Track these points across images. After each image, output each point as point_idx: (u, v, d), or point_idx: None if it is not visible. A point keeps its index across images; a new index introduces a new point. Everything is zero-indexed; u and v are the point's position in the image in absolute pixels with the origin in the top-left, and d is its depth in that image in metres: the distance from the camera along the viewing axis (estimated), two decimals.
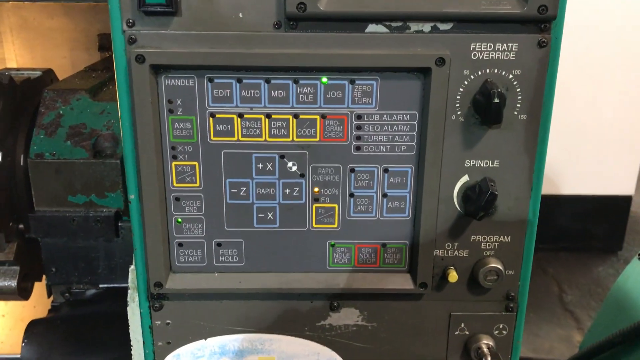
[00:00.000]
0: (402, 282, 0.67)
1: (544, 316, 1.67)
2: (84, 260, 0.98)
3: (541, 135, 0.63)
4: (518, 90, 0.61)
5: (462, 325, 0.69)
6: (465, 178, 0.63)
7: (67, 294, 1.00)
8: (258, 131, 0.63)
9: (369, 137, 0.63)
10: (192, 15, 0.59)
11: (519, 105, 0.62)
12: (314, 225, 0.66)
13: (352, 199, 0.65)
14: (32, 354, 0.90)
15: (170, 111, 0.62)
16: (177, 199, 0.65)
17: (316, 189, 0.65)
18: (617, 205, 2.10)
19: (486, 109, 0.60)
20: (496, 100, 0.59)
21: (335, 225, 0.66)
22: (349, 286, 0.67)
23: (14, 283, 0.96)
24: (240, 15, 0.59)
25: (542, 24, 0.60)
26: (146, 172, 0.63)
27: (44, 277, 1.01)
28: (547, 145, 0.63)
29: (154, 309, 0.68)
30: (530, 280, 0.68)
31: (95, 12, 1.18)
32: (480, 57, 0.61)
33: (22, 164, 0.95)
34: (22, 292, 0.96)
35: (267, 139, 0.63)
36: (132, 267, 0.71)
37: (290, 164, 0.64)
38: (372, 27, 0.60)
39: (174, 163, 0.64)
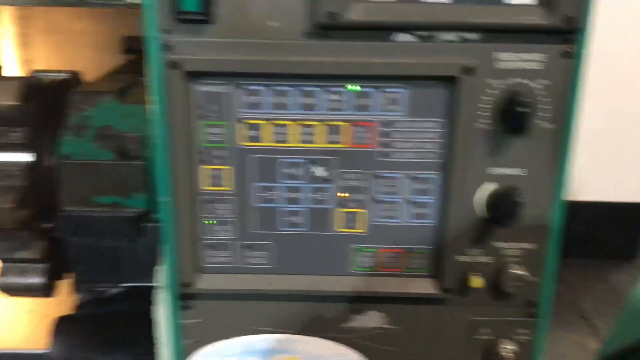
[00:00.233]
0: (426, 286, 0.68)
1: (558, 322, 1.67)
2: (109, 260, 1.00)
3: (566, 144, 0.64)
4: (543, 99, 0.62)
5: (484, 330, 0.70)
6: (490, 185, 0.64)
7: (91, 292, 1.03)
8: (287, 137, 0.65)
9: (396, 144, 0.64)
10: (226, 24, 0.61)
11: (544, 114, 0.63)
12: (340, 229, 0.67)
13: (377, 205, 0.66)
14: (61, 349, 0.92)
15: (202, 116, 0.64)
16: (206, 201, 0.67)
17: (343, 194, 0.66)
18: (632, 213, 2.09)
19: (512, 118, 0.61)
20: (521, 110, 0.61)
21: (361, 230, 0.67)
22: (373, 290, 0.68)
23: (41, 280, 0.98)
24: (272, 24, 0.61)
25: (567, 34, 0.61)
26: (178, 175, 0.65)
27: (67, 275, 1.03)
28: (572, 154, 0.64)
29: (182, 308, 0.70)
30: None
31: (119, 15, 1.20)
32: (507, 67, 0.62)
33: (49, 164, 0.97)
34: (48, 290, 0.99)
35: (296, 144, 0.65)
36: (159, 267, 0.72)
37: (317, 169, 0.66)
38: (400, 36, 0.62)
39: (203, 166, 0.66)
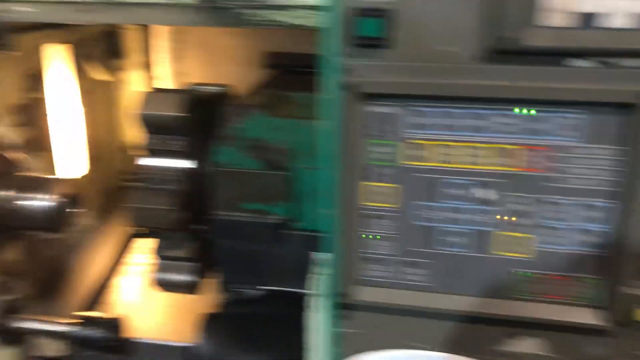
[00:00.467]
0: (590, 316, 0.66)
1: None
2: (252, 263, 1.06)
3: None
4: None
5: None
6: None
7: (234, 292, 1.09)
8: (453, 158, 0.66)
9: (569, 170, 0.63)
10: (402, 48, 0.63)
11: None
12: (502, 252, 0.67)
13: (544, 230, 0.65)
14: (209, 344, 0.99)
15: (369, 135, 0.67)
16: (367, 216, 0.69)
17: (508, 217, 0.66)
18: None
19: None
20: None
21: (525, 255, 0.67)
22: (533, 315, 0.67)
23: (191, 278, 1.06)
24: (448, 48, 0.62)
25: None
26: (344, 190, 0.68)
27: (212, 275, 1.10)
28: None
29: (339, 317, 0.73)
30: None
31: (263, 32, 1.27)
32: None
33: (204, 171, 1.05)
34: (196, 288, 1.06)
35: (462, 165, 0.66)
36: (315, 275, 0.76)
37: (483, 191, 0.66)
38: (576, 61, 0.61)
39: (367, 183, 0.68)
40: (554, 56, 0.61)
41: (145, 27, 1.35)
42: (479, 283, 0.69)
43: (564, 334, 0.68)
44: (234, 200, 1.03)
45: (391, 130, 0.66)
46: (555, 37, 0.60)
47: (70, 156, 1.23)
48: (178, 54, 1.35)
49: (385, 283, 0.71)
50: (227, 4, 0.89)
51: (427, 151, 0.66)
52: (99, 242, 1.29)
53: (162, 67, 1.37)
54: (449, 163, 0.66)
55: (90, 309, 1.20)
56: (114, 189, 1.33)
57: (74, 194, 1.00)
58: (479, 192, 0.66)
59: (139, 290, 1.25)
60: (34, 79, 1.12)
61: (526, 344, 0.69)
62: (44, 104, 1.15)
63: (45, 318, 0.99)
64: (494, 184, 0.65)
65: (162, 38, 1.35)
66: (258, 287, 1.07)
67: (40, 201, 0.95)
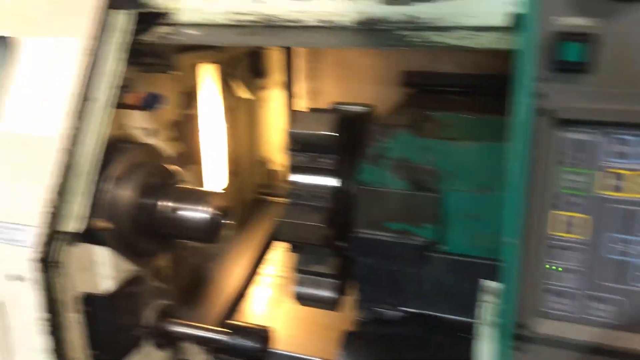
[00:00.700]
0: None
1: None
2: (394, 283, 1.05)
3: None
4: None
5: None
6: None
7: (373, 312, 1.09)
8: None
9: None
10: (606, 73, 0.60)
11: None
12: None
13: None
14: None
15: (562, 162, 0.64)
16: (553, 246, 0.67)
17: None
18: None
19: None
20: None
21: None
22: None
23: (331, 294, 1.07)
24: None
25: None
26: (531, 218, 0.65)
27: (351, 292, 1.11)
28: None
29: (514, 349, 0.70)
30: None
31: (403, 52, 1.28)
32: None
33: (349, 189, 1.06)
34: (336, 304, 1.07)
35: None
36: (483, 302, 0.74)
37: None
38: None
39: (556, 212, 0.66)
40: None
41: (286, 48, 1.40)
42: None
43: None
44: (378, 219, 1.03)
45: (587, 158, 0.63)
46: None
47: (215, 170, 1.29)
48: (314, 73, 1.39)
49: (568, 317, 0.68)
50: (387, 26, 0.90)
51: (627, 181, 0.62)
52: (236, 252, 1.34)
53: (299, 85, 1.41)
54: None
55: (227, 317, 1.24)
56: (250, 201, 1.38)
57: (226, 207, 1.04)
58: None
59: (273, 302, 1.29)
60: (189, 97, 1.19)
61: None
62: (195, 119, 1.22)
63: (195, 324, 1.03)
64: None
65: (300, 58, 1.39)
66: (396, 307, 1.06)
67: (199, 212, 1.00)
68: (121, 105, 0.96)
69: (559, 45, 0.61)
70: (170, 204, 1.01)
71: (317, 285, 1.08)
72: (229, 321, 1.03)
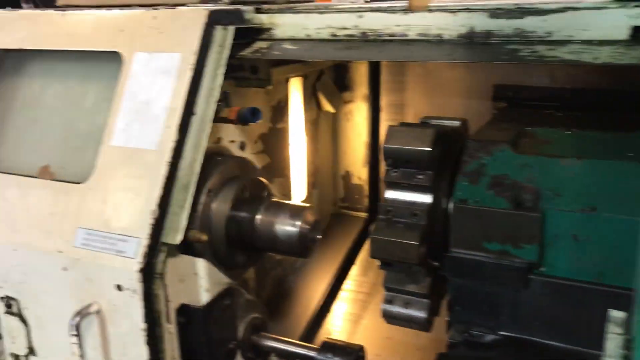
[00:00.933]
0: None
1: None
2: (489, 306, 1.01)
3: None
4: None
5: None
6: None
7: (465, 334, 1.05)
8: None
9: None
10: None
11: None
12: None
13: None
14: None
15: None
16: None
17: None
18: None
19: None
20: None
21: None
22: None
23: (424, 314, 1.03)
24: None
25: None
26: None
27: (441, 312, 1.07)
28: None
29: None
30: None
31: (492, 65, 1.24)
32: None
33: (445, 207, 1.03)
34: (428, 325, 1.04)
35: None
36: (610, 334, 0.69)
37: None
38: None
39: None
40: None
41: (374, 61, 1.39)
42: None
43: None
44: (475, 238, 0.99)
45: None
46: None
47: (297, 182, 1.29)
48: (399, 86, 1.36)
49: None
50: (495, 40, 0.87)
51: None
52: (317, 266, 1.33)
53: (383, 98, 1.39)
54: None
55: (310, 332, 1.23)
56: (329, 214, 1.37)
57: (316, 220, 1.03)
58: None
59: (355, 318, 1.27)
60: (277, 110, 1.19)
61: None
62: (281, 132, 1.22)
63: (287, 339, 1.02)
64: None
65: (384, 71, 1.37)
66: (492, 331, 1.02)
67: (293, 227, 1.00)
68: (219, 119, 0.97)
69: None
70: (263, 217, 1.01)
71: (408, 304, 1.05)
72: (326, 339, 1.00)
